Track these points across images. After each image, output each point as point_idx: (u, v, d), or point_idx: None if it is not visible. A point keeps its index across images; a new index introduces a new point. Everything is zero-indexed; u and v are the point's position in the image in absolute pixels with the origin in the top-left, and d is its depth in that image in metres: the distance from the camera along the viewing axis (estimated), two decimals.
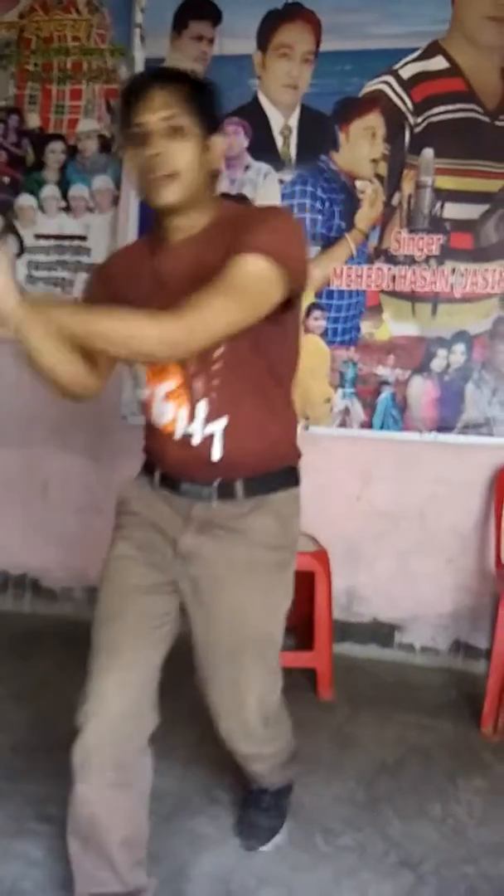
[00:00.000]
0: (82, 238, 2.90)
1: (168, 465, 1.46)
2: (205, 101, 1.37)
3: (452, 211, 2.59)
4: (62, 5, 2.84)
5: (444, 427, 2.65)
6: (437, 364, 2.64)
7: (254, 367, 1.39)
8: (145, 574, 1.46)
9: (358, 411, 2.69)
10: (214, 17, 2.69)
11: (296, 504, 1.52)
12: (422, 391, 2.65)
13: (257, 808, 1.83)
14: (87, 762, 1.38)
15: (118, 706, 1.39)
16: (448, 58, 2.54)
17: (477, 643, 2.72)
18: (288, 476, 1.50)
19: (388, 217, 2.63)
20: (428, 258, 2.61)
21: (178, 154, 1.32)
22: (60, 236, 2.92)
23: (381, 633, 2.79)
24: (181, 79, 1.36)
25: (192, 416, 1.39)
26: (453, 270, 2.60)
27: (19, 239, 2.95)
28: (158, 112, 1.31)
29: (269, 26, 2.65)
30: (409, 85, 2.57)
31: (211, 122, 1.37)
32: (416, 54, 2.56)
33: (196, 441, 1.40)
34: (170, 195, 1.34)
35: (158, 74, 1.38)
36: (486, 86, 2.53)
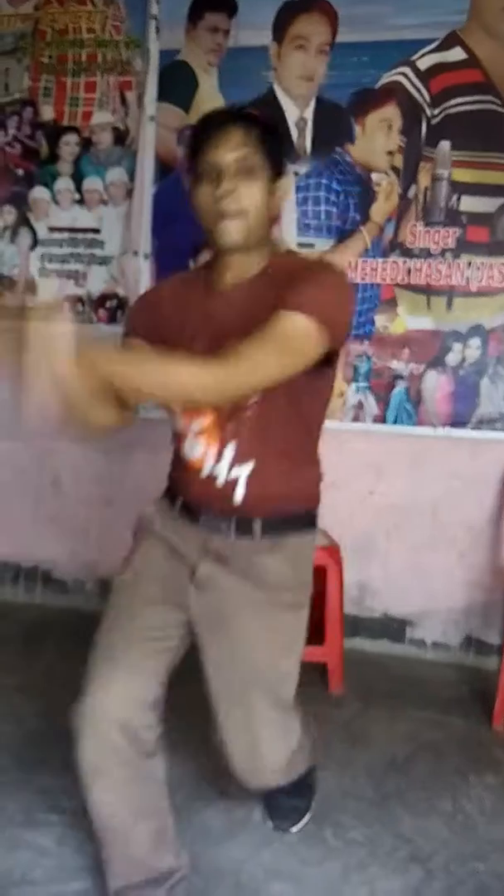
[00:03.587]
0: (96, 231, 2.90)
1: (190, 497, 1.48)
2: (274, 145, 1.40)
3: (469, 204, 2.56)
4: None
5: (458, 422, 2.63)
6: (451, 358, 2.62)
7: (285, 418, 1.41)
8: (157, 590, 1.48)
9: (371, 405, 2.68)
10: (230, 8, 2.67)
11: (310, 547, 1.53)
12: (436, 385, 2.63)
13: (281, 791, 1.81)
14: (93, 767, 1.41)
15: (117, 712, 1.40)
16: (466, 49, 2.52)
17: (489, 639, 2.70)
18: (305, 520, 1.51)
19: (404, 210, 2.61)
20: (444, 251, 2.59)
21: (248, 193, 1.35)
22: (74, 229, 2.91)
23: (393, 628, 2.78)
24: (255, 120, 1.38)
25: (219, 457, 1.41)
26: (469, 264, 2.58)
27: (33, 231, 2.95)
28: (233, 151, 1.34)
29: (285, 18, 2.63)
30: (426, 76, 2.55)
31: (278, 166, 1.40)
32: (433, 45, 2.53)
33: (220, 483, 1.41)
34: (235, 233, 1.36)
35: (233, 114, 1.40)
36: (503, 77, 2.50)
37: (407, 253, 2.61)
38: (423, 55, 2.54)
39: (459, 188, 2.56)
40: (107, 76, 2.85)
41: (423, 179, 2.59)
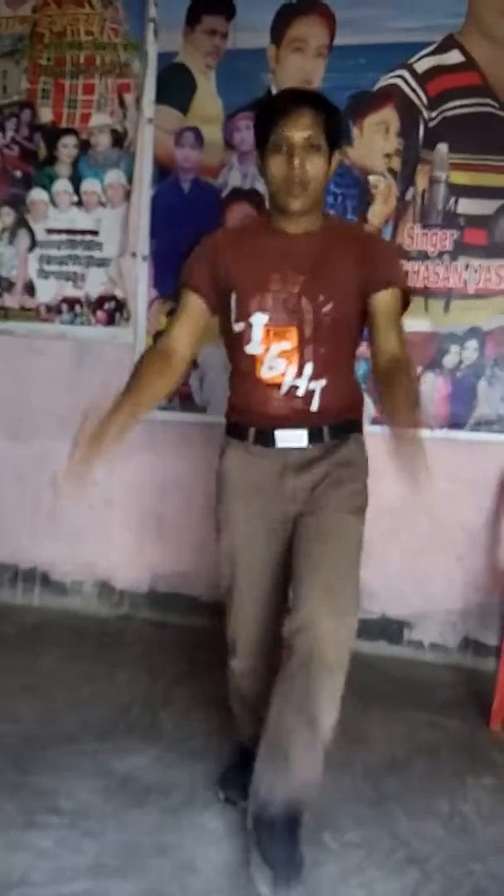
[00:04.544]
0: (94, 233, 2.90)
1: (266, 417, 1.75)
2: (335, 124, 1.69)
3: (466, 206, 2.57)
4: None
5: (455, 424, 2.64)
6: (449, 360, 2.63)
7: (346, 345, 1.78)
8: (265, 537, 1.80)
9: (369, 407, 2.67)
10: (228, 11, 2.68)
11: (363, 440, 1.87)
12: (433, 387, 2.64)
13: (273, 836, 1.63)
14: (243, 675, 1.87)
15: (261, 642, 1.85)
16: (463, 52, 2.52)
17: (486, 640, 2.71)
18: (358, 424, 1.87)
19: (402, 212, 2.62)
20: (441, 254, 2.60)
21: (313, 166, 1.65)
22: (72, 231, 2.92)
23: (391, 629, 2.79)
24: (320, 103, 1.67)
25: (299, 373, 1.72)
26: (467, 266, 2.59)
27: (31, 233, 2.96)
28: (304, 131, 1.63)
29: (284, 20, 2.63)
30: (423, 79, 2.55)
31: (335, 142, 1.70)
32: (431, 48, 2.54)
33: (300, 393, 1.73)
34: (301, 201, 1.67)
35: (303, 97, 1.68)
36: (501, 80, 2.51)
37: (404, 255, 2.61)
38: (420, 58, 2.55)
39: (457, 190, 2.57)
40: (105, 78, 2.85)
41: (421, 182, 2.60)
